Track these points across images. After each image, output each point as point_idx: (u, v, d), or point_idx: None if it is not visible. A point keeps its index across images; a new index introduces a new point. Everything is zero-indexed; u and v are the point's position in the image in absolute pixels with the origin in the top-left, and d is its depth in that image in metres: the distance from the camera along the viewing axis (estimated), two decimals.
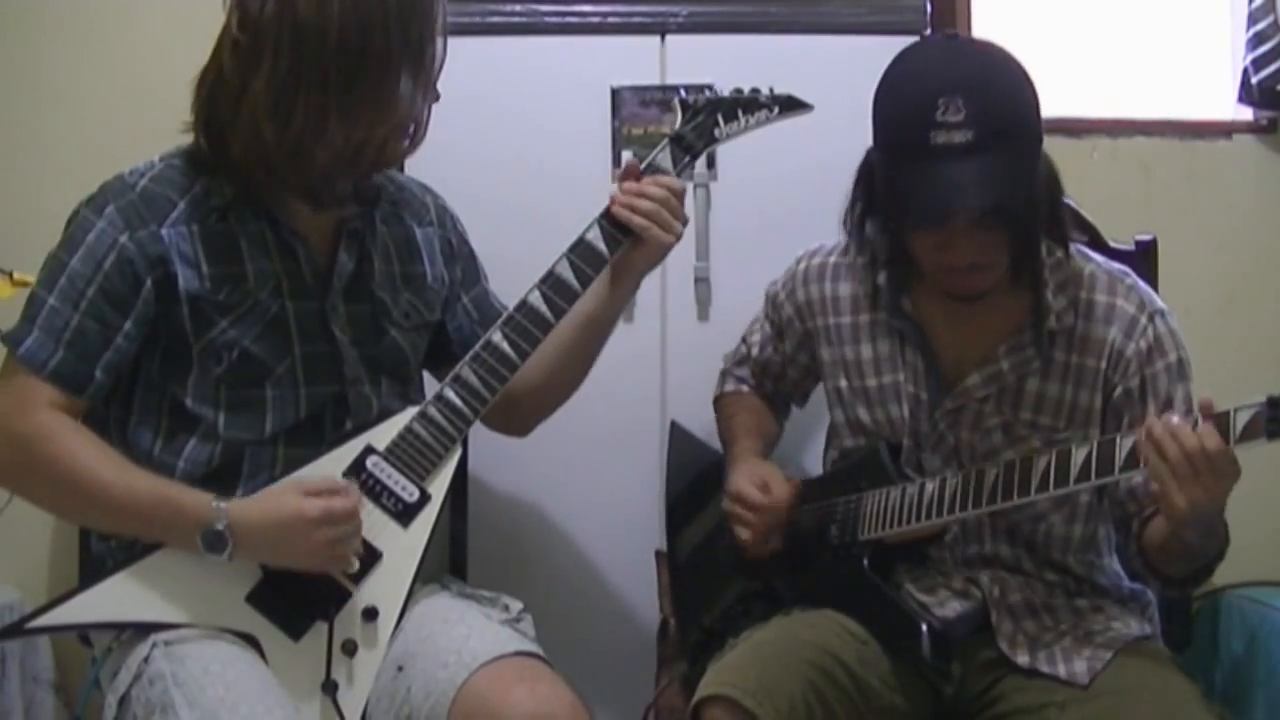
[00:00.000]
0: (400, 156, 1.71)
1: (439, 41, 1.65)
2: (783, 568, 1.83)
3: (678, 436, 2.07)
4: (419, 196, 1.86)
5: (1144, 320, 1.69)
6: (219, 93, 1.61)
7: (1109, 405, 1.70)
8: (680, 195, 1.77)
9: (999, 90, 1.58)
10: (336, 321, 1.70)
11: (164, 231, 1.62)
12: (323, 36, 1.55)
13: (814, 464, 2.00)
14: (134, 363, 1.65)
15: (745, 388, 2.00)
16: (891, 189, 1.64)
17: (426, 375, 1.88)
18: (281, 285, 1.67)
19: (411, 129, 1.67)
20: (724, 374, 2.04)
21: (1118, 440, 1.51)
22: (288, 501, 1.57)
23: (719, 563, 1.91)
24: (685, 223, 1.78)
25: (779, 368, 1.96)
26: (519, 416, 1.89)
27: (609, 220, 1.75)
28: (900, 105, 1.61)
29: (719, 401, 2.03)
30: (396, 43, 1.58)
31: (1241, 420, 1.42)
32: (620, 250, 1.76)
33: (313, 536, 1.55)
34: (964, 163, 1.54)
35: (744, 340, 2.01)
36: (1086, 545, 1.76)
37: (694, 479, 2.01)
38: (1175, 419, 1.46)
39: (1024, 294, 1.71)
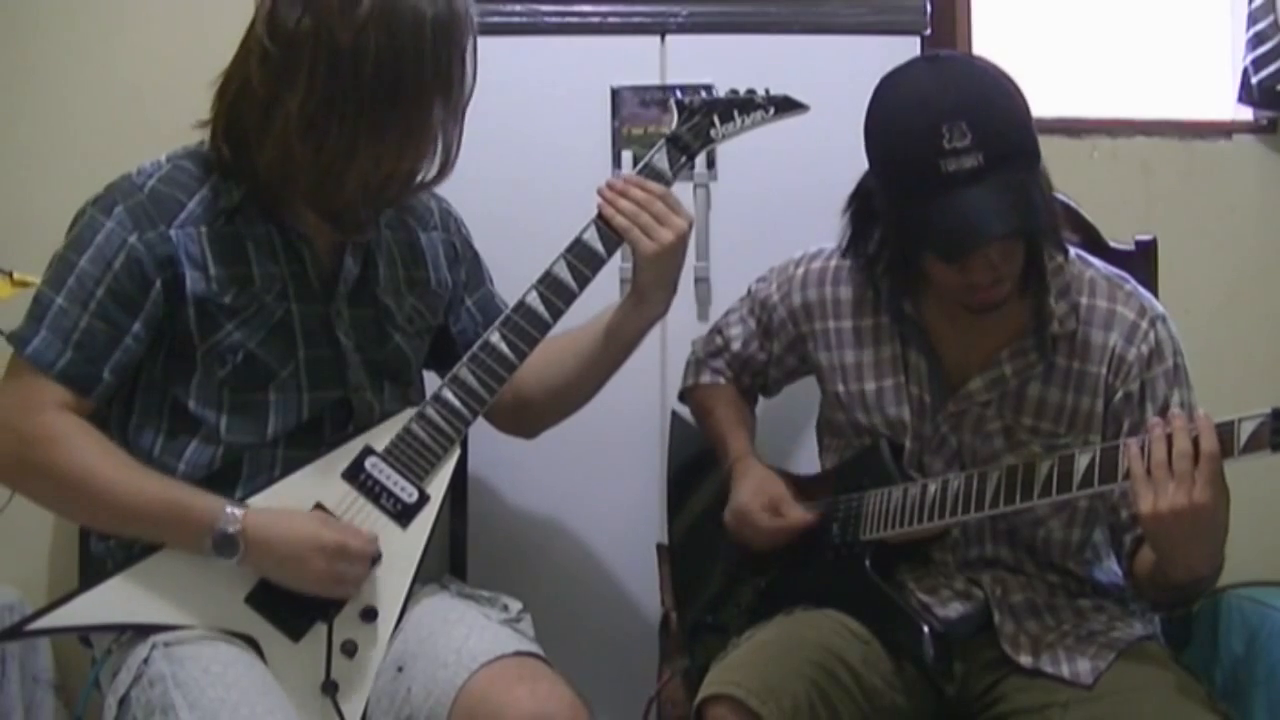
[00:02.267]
0: (429, 185, 1.69)
1: (470, 70, 1.64)
2: (784, 564, 1.83)
3: (679, 428, 2.07)
4: (423, 201, 1.85)
5: (1144, 325, 1.69)
6: (245, 101, 1.59)
7: (1109, 410, 1.69)
8: (665, 199, 1.74)
9: (998, 108, 1.56)
10: (341, 326, 1.70)
11: (172, 233, 1.62)
12: (359, 65, 1.54)
13: (809, 464, 1.99)
14: (137, 364, 1.64)
15: (722, 380, 1.97)
16: (902, 221, 1.62)
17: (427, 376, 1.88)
18: (287, 289, 1.66)
19: (441, 158, 1.66)
20: (697, 364, 2.00)
21: (1121, 446, 1.51)
22: (307, 525, 1.59)
23: (719, 555, 1.91)
24: (682, 230, 1.73)
25: (761, 365, 1.95)
26: (529, 419, 1.89)
27: (603, 220, 1.74)
28: (903, 136, 1.58)
29: (695, 392, 1.99)
30: (430, 73, 1.58)
31: (1245, 431, 1.41)
32: (616, 250, 1.75)
33: (320, 564, 1.57)
34: (977, 188, 1.53)
35: (719, 332, 1.98)
36: (1084, 549, 1.75)
37: (695, 471, 2.00)
38: (1177, 421, 1.46)
39: (1026, 299, 1.70)
